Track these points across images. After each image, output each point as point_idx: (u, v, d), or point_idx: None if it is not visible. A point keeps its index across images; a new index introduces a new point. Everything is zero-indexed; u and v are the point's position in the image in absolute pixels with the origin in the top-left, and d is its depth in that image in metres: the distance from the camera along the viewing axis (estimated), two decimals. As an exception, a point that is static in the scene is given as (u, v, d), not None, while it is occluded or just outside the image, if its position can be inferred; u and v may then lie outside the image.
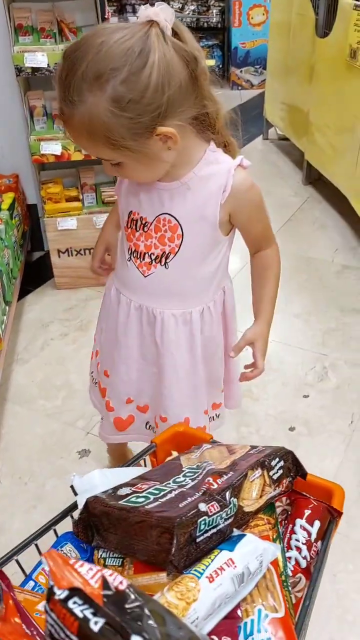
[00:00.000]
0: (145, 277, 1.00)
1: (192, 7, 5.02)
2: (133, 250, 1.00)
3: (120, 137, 0.78)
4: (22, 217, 2.26)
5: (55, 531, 0.69)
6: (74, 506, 0.70)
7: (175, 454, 0.85)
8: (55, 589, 0.37)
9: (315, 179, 3.19)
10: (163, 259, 0.97)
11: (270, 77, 3.68)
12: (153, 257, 0.98)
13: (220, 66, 5.20)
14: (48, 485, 1.56)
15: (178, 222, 0.94)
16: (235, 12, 4.89)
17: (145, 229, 0.97)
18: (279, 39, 3.38)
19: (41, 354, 2.03)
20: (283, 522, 0.69)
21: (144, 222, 0.97)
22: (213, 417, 1.21)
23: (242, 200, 0.94)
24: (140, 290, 1.02)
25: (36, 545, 0.67)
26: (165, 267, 0.98)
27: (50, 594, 0.37)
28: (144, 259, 0.99)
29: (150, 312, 1.02)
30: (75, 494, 0.69)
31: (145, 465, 0.83)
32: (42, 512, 1.49)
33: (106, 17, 2.16)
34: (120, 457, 1.52)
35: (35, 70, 1.90)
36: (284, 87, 3.37)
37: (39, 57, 1.87)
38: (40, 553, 0.67)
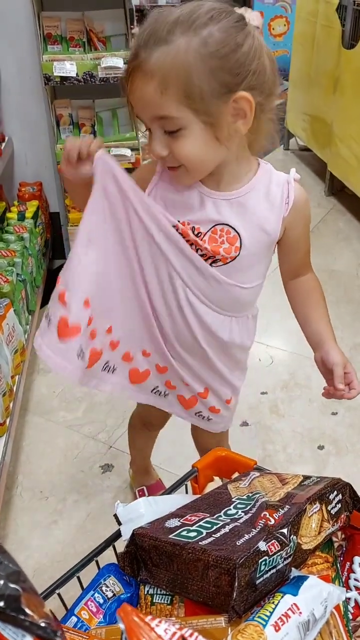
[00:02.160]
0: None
1: (213, 18, 5.02)
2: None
3: (197, 87, 0.73)
4: (45, 226, 2.25)
5: (97, 562, 0.66)
6: (117, 536, 0.67)
7: (217, 479, 0.81)
8: (132, 651, 0.33)
9: (338, 190, 3.15)
10: (209, 260, 0.90)
11: (293, 87, 3.66)
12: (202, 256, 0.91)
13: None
14: (69, 500, 1.52)
15: (238, 233, 0.88)
16: (256, 23, 4.88)
17: (198, 238, 0.91)
18: (302, 50, 3.36)
19: (62, 365, 2.00)
20: (339, 559, 0.65)
21: (196, 232, 0.89)
22: (207, 417, 1.09)
23: (299, 214, 0.92)
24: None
25: (78, 577, 0.64)
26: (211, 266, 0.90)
27: (125, 655, 0.33)
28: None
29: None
30: (119, 523, 0.65)
31: (186, 491, 0.79)
32: (62, 529, 1.45)
33: (131, 27, 2.16)
34: (143, 471, 1.48)
35: (64, 79, 1.89)
36: (307, 97, 3.35)
37: (68, 66, 1.86)
38: (82, 586, 0.64)
